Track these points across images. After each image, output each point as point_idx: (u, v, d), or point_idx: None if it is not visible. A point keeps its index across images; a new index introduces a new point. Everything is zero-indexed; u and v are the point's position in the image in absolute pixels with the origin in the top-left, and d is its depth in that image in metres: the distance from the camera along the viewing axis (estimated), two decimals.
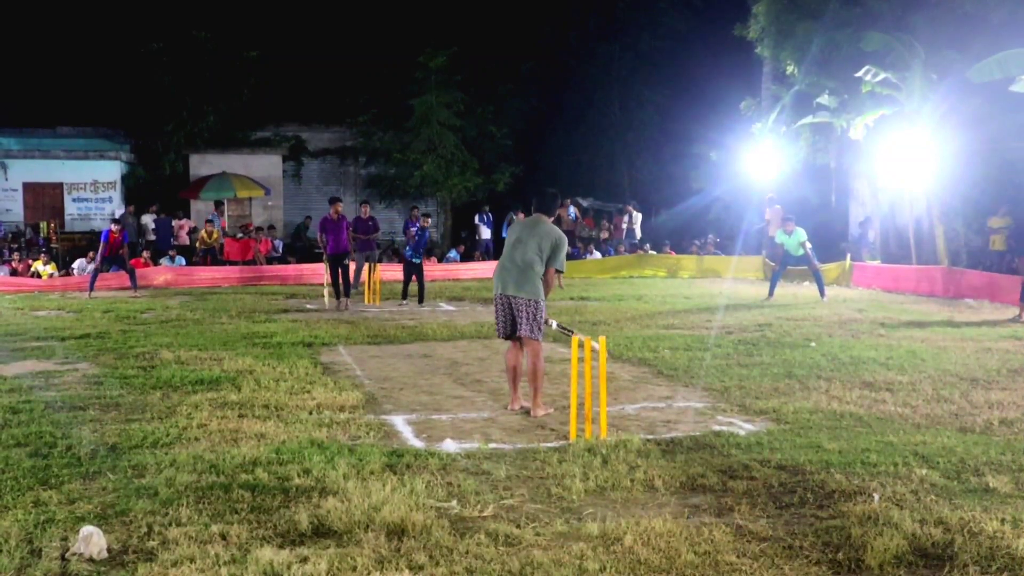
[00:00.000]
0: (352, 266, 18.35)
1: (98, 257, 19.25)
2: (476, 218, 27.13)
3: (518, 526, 4.60)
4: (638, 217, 27.62)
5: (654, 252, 25.66)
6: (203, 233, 24.94)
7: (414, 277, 16.78)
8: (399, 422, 6.99)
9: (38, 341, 11.55)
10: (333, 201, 16.49)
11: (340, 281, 15.86)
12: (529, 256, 7.19)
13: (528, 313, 7.14)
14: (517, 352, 7.34)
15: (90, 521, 4.58)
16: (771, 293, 16.78)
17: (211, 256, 24.42)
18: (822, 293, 16.41)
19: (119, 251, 19.02)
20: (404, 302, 16.55)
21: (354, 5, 31.34)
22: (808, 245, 16.62)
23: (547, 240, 7.21)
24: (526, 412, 7.23)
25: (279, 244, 27.02)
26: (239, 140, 29.90)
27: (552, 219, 7.49)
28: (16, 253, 24.10)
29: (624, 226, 27.62)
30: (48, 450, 6.01)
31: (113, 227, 19.10)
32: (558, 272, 7.37)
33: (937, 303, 15.88)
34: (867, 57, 19.43)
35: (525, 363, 7.29)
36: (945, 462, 5.64)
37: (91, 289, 18.59)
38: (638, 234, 27.25)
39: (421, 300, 16.54)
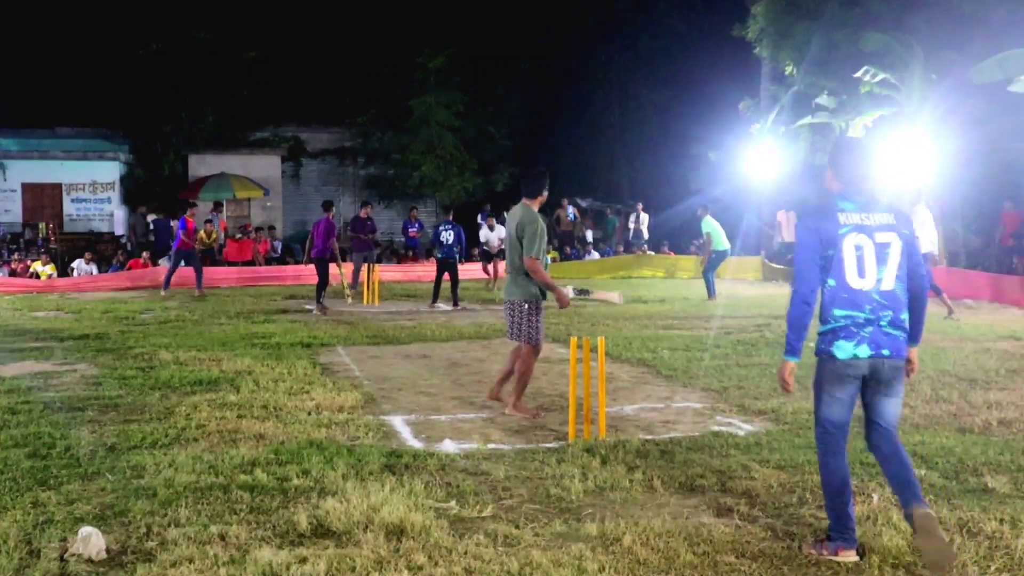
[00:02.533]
0: (350, 267, 18.41)
1: (174, 249, 18.59)
2: (479, 218, 27.10)
3: (517, 526, 4.60)
4: (645, 218, 27.64)
5: (652, 252, 25.66)
6: (202, 233, 24.92)
7: (447, 275, 16.56)
8: (398, 422, 6.99)
9: (37, 342, 11.54)
10: (328, 206, 16.63)
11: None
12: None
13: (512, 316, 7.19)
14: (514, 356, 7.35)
15: (89, 522, 4.58)
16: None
17: (210, 257, 24.40)
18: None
19: (194, 241, 18.44)
20: (436, 304, 16.33)
21: (353, 5, 31.34)
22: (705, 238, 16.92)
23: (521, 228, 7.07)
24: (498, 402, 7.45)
25: (278, 245, 27.03)
26: (238, 141, 29.92)
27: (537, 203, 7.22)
28: (15, 254, 24.11)
29: (632, 226, 27.65)
30: (47, 451, 6.00)
31: (189, 213, 18.35)
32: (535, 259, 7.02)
33: (936, 303, 15.84)
34: (866, 57, 19.43)
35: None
36: (944, 462, 5.64)
37: (166, 286, 18.28)
38: (645, 235, 27.27)
39: (456, 302, 16.19)
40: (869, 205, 4.21)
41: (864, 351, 4.13)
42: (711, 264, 17.14)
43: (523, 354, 7.16)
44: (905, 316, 4.20)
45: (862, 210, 4.18)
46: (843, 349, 4.15)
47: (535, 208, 7.18)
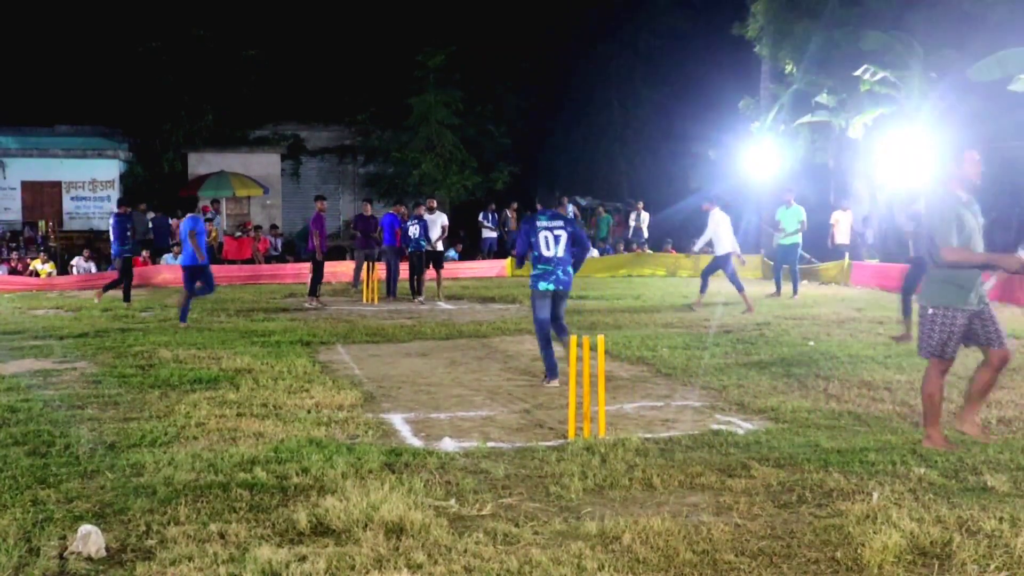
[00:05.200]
0: (354, 264, 18.48)
1: (386, 246, 17.77)
2: (480, 216, 27.09)
3: (516, 525, 4.60)
4: (645, 216, 27.64)
5: (651, 251, 25.64)
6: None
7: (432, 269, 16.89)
8: (397, 421, 6.99)
9: (37, 340, 11.55)
10: (320, 200, 16.80)
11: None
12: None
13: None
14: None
15: (88, 520, 4.58)
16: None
17: (210, 255, 24.35)
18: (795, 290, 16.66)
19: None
20: (420, 298, 16.63)
21: (353, 4, 31.32)
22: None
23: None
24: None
25: (278, 243, 27.02)
26: (238, 139, 29.89)
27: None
28: (15, 252, 24.10)
29: (632, 224, 27.67)
30: (46, 449, 6.00)
31: (394, 209, 17.61)
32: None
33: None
34: (866, 56, 19.43)
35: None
36: (943, 461, 5.64)
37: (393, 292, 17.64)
38: (645, 233, 27.29)
39: (417, 293, 16.71)
40: (552, 217, 8.60)
41: (550, 286, 8.42)
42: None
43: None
44: (570, 268, 8.53)
45: (549, 220, 8.56)
46: (542, 285, 8.43)
47: (951, 184, 6.03)
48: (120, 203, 16.84)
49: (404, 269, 17.53)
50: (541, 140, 34.30)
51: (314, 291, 16.11)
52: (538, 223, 8.50)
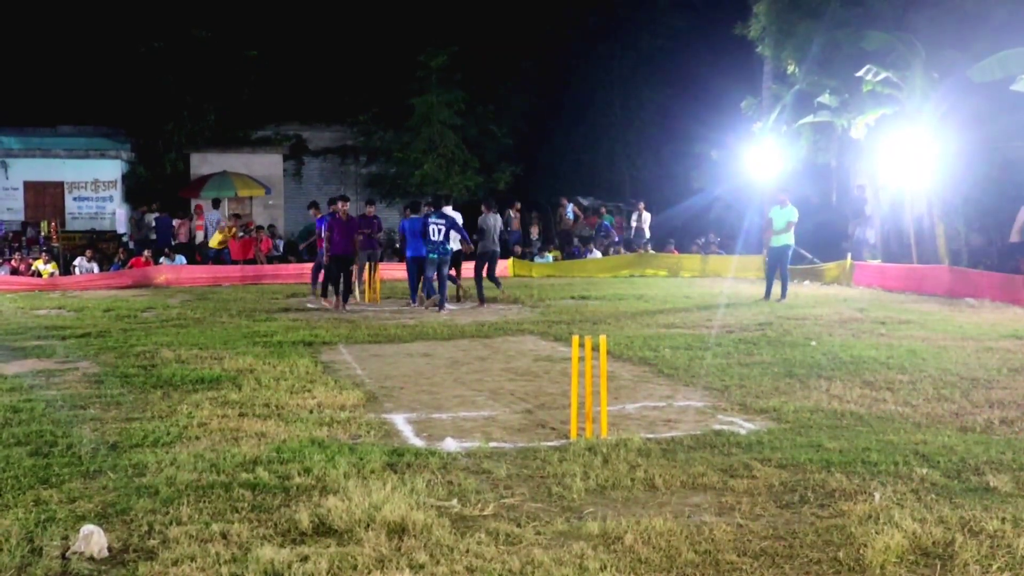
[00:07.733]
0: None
1: (321, 248, 16.48)
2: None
3: (519, 525, 4.60)
4: (647, 217, 27.63)
5: (653, 251, 25.65)
6: (226, 226, 24.66)
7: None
8: (400, 421, 6.99)
9: (39, 340, 11.56)
10: (343, 200, 16.29)
11: (342, 284, 15.74)
12: None
13: None
14: None
15: (91, 520, 4.59)
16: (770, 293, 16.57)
17: (220, 255, 24.27)
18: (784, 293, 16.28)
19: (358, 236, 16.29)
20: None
21: (354, 4, 31.34)
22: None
23: None
24: None
25: (280, 243, 27.01)
26: (240, 139, 29.92)
27: None
28: (17, 252, 24.12)
29: (634, 225, 27.66)
30: (49, 449, 6.01)
31: (341, 206, 16.21)
32: None
33: (938, 302, 15.86)
34: (868, 56, 19.41)
35: None
36: (946, 461, 5.64)
37: (315, 285, 17.15)
38: (647, 234, 27.29)
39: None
40: (439, 216, 14.98)
41: (435, 255, 14.85)
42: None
43: None
44: (449, 245, 14.98)
45: (437, 218, 14.95)
46: (430, 255, 14.86)
47: None
48: (310, 205, 18.06)
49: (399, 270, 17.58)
50: (543, 140, 34.29)
51: (326, 291, 16.16)
52: (430, 219, 14.90)
